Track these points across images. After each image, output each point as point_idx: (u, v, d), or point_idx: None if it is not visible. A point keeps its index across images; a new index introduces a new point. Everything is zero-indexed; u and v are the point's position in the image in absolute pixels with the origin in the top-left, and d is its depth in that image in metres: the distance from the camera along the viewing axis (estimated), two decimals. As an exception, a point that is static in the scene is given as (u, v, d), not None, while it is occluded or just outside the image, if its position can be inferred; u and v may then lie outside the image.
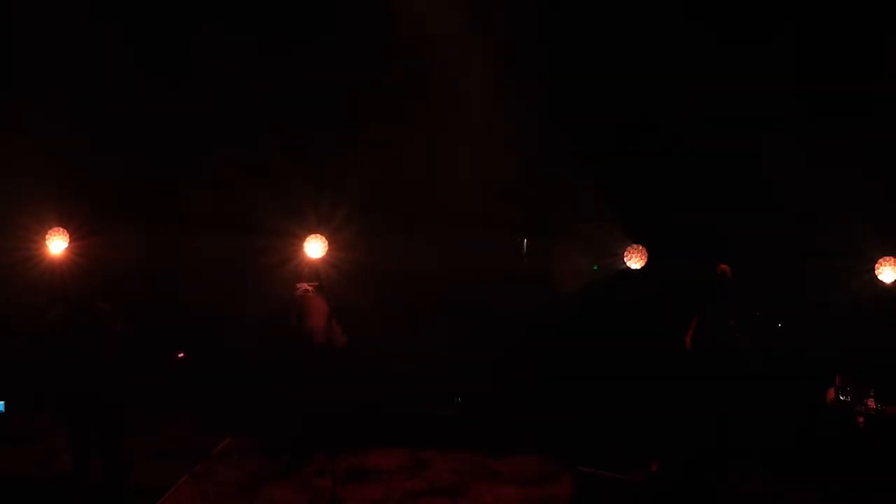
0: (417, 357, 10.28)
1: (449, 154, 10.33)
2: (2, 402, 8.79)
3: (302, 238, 10.11)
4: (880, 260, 9.20)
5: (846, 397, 8.66)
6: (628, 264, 9.84)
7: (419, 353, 10.30)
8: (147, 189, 10.46)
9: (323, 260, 10.13)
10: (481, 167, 10.12)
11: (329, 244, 10.12)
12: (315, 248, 10.04)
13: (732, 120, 9.62)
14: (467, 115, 10.06)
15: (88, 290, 8.07)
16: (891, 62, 9.23)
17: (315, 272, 9.91)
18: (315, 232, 10.10)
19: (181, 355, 8.80)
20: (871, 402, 8.61)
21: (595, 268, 10.34)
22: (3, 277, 10.16)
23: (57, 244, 10.12)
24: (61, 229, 10.15)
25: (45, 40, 10.07)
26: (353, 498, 8.29)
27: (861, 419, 8.60)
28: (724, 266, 8.79)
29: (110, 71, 10.09)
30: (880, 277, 9.21)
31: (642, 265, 9.78)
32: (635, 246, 9.82)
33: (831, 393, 8.78)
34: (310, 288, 9.40)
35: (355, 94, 10.15)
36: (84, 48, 9.99)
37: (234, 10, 10.06)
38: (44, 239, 10.14)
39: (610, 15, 9.71)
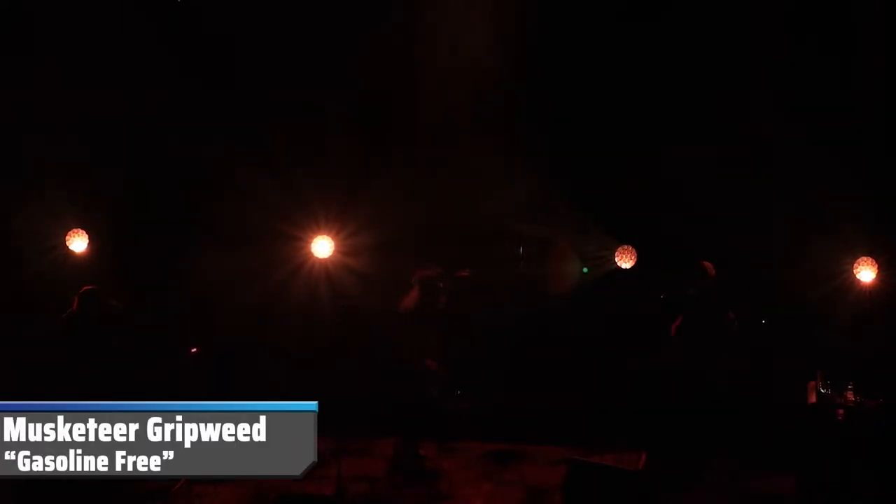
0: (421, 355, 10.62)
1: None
2: None
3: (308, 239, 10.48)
4: (859, 260, 9.69)
5: (827, 390, 9.01)
6: (619, 264, 10.32)
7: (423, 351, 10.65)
8: (165, 191, 10.79)
9: (331, 261, 10.50)
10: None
11: (336, 248, 10.46)
12: (322, 247, 10.37)
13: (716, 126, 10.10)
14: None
15: (98, 287, 8.42)
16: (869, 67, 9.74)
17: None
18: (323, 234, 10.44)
19: (194, 350, 9.24)
20: (851, 395, 8.95)
21: (585, 270, 10.79)
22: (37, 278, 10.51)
23: (77, 244, 10.51)
24: (80, 230, 10.53)
25: (67, 40, 10.36)
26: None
27: (841, 411, 8.93)
28: (705, 263, 9.27)
29: (131, 72, 10.44)
30: (859, 277, 9.69)
31: (632, 265, 10.24)
32: (625, 247, 10.29)
33: (812, 385, 9.13)
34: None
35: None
36: (107, 48, 10.36)
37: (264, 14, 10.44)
38: (64, 240, 10.53)
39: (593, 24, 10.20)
